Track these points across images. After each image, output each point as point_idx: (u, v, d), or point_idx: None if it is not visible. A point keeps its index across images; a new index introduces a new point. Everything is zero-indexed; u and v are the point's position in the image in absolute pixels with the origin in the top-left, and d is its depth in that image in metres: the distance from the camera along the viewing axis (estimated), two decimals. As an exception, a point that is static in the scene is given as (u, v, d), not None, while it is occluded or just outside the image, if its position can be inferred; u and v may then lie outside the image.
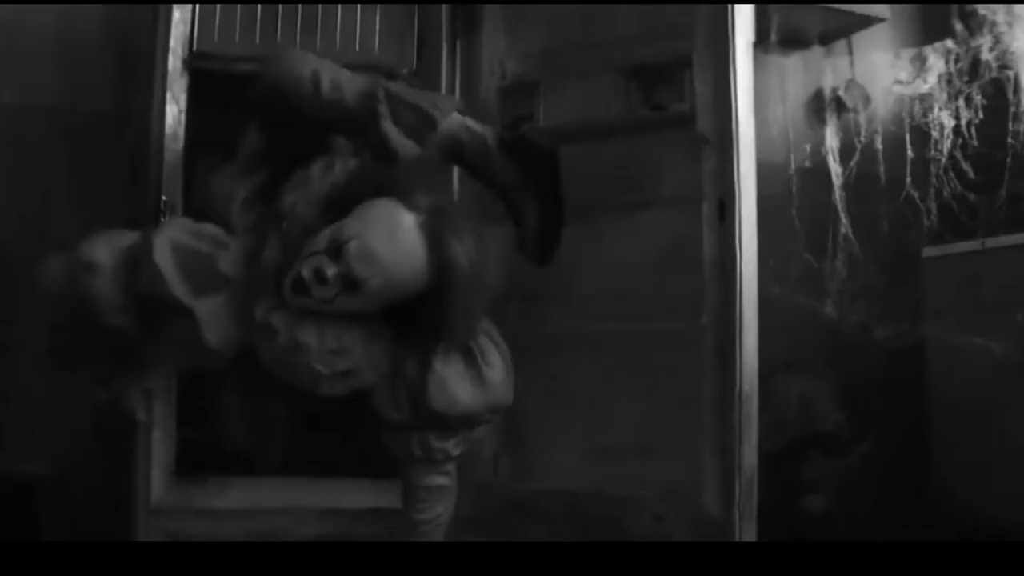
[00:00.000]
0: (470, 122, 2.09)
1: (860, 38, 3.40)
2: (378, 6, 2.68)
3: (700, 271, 2.32)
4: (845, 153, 3.22)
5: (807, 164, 3.19)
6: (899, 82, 3.31)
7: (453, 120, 2.05)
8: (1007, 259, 2.99)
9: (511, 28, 2.65)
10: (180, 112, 2.48)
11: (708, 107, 2.34)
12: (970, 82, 3.21)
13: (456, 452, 1.99)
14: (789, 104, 3.24)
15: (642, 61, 2.47)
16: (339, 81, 1.98)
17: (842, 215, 3.12)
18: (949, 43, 3.27)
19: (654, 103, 2.47)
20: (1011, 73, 3.15)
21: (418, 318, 1.79)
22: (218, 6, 2.55)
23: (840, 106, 3.31)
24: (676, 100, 2.43)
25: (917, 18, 3.48)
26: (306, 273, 1.69)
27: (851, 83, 3.39)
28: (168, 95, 2.47)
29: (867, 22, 3.35)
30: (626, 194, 2.46)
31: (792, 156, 3.17)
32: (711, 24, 2.36)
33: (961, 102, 3.22)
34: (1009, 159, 3.11)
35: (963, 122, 3.21)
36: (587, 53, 2.55)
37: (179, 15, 2.51)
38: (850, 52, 3.42)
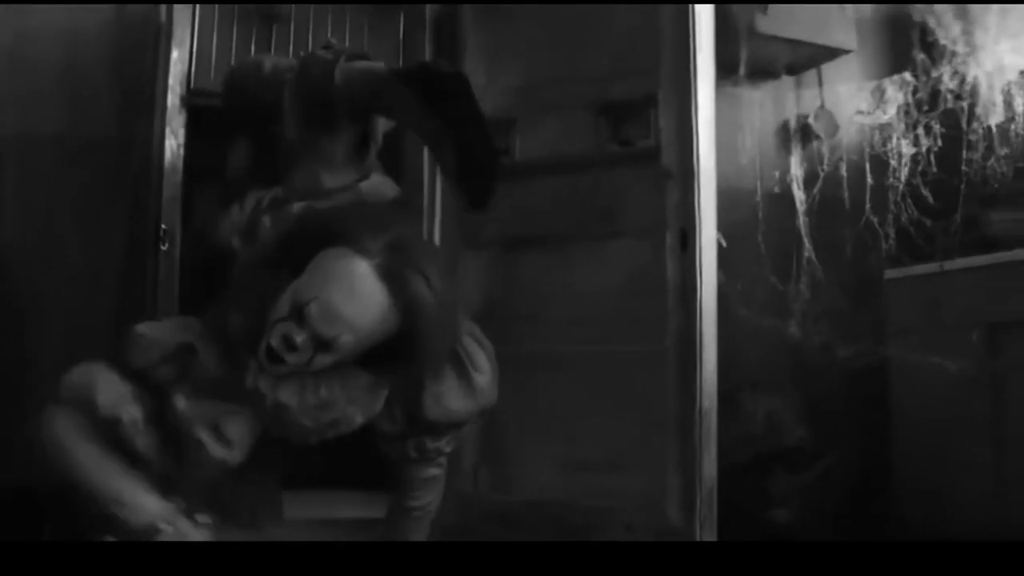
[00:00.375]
0: (364, 64, 2.11)
1: (827, 69, 3.55)
2: (365, 41, 2.84)
3: (664, 296, 2.47)
4: (809, 180, 3.37)
5: (776, 190, 3.35)
6: (860, 112, 3.47)
7: (348, 66, 2.08)
8: (964, 281, 3.12)
9: (490, 65, 2.79)
10: (179, 146, 2.63)
11: (672, 143, 2.50)
12: (928, 112, 3.36)
13: (449, 448, 2.08)
14: (758, 133, 3.39)
15: (611, 99, 2.62)
16: (278, 63, 2.19)
17: (805, 240, 3.28)
18: (907, 75, 3.42)
19: (622, 139, 2.61)
20: (965, 104, 3.30)
21: (396, 356, 1.79)
22: (213, 48, 2.71)
23: (809, 134, 3.46)
24: (643, 136, 2.57)
25: (882, 49, 3.64)
26: (275, 343, 1.67)
27: (821, 111, 3.55)
28: (167, 129, 2.62)
29: (833, 54, 3.52)
30: (596, 224, 2.60)
31: (759, 184, 3.32)
32: (675, 64, 2.52)
33: (920, 131, 3.36)
34: (963, 186, 3.26)
35: (922, 150, 3.36)
36: (560, 90, 2.70)
37: (177, 55, 2.66)
38: (820, 83, 3.58)
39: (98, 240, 2.89)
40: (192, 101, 2.65)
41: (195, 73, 2.68)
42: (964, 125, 3.27)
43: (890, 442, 3.26)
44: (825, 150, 3.42)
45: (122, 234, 2.86)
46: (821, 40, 3.45)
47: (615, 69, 2.62)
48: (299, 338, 1.66)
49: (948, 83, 3.33)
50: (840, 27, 3.48)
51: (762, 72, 3.45)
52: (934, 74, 3.38)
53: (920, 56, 3.45)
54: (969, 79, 3.35)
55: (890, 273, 3.32)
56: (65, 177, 2.93)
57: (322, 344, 1.68)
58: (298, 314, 1.66)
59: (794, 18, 3.36)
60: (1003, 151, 3.20)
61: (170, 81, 2.65)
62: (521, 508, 2.60)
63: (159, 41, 2.69)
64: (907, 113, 3.36)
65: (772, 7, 3.29)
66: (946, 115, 3.35)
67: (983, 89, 3.31)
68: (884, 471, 3.22)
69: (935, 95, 3.38)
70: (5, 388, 2.71)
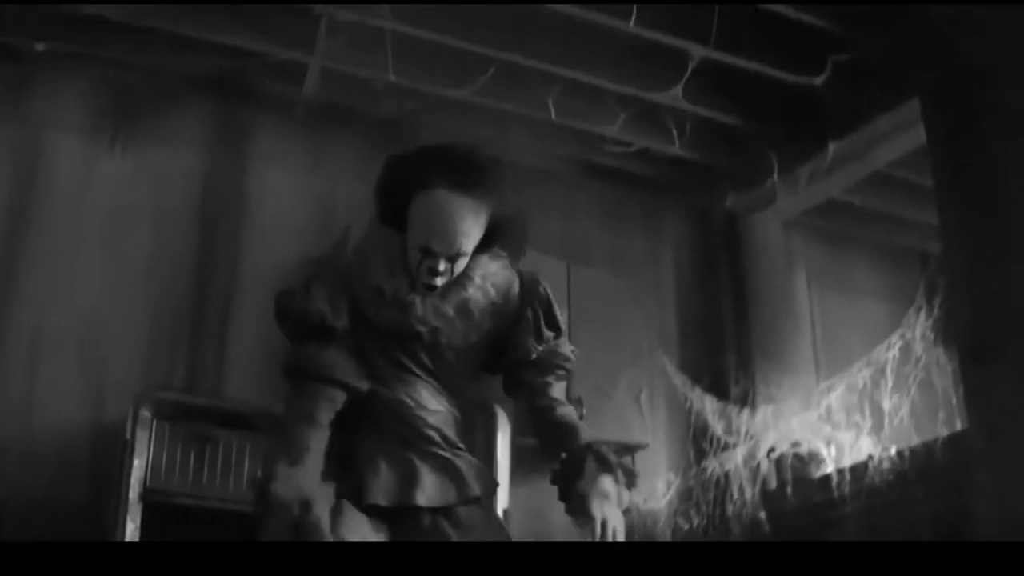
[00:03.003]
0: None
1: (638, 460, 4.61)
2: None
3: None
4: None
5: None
6: (643, 501, 4.59)
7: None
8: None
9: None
10: (135, 528, 3.59)
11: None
12: (688, 501, 4.51)
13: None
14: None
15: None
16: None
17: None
18: (671, 475, 4.60)
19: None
20: (711, 495, 4.48)
21: (498, 233, 2.23)
22: (163, 459, 3.72)
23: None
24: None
25: (672, 444, 4.79)
26: (426, 279, 2.16)
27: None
28: (128, 517, 3.60)
29: (632, 449, 4.61)
30: None
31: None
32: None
33: (691, 511, 4.49)
34: (714, 556, 4.38)
35: (694, 526, 4.48)
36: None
37: (137, 463, 3.69)
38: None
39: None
40: (147, 497, 3.65)
41: (150, 476, 3.68)
42: (710, 510, 4.43)
43: None
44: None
45: None
46: (622, 438, 4.54)
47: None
48: (440, 265, 2.15)
49: (704, 477, 4.50)
50: (638, 427, 4.60)
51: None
52: (697, 469, 4.55)
53: (692, 452, 4.63)
54: (724, 469, 4.52)
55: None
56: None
57: (453, 257, 2.16)
58: (426, 252, 2.14)
59: (601, 421, 4.48)
60: (736, 530, 4.36)
61: (132, 481, 3.65)
62: None
63: (124, 452, 3.71)
64: (670, 502, 4.52)
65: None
66: (703, 502, 4.49)
67: (725, 481, 4.48)
68: None
69: (698, 486, 4.53)
70: None
